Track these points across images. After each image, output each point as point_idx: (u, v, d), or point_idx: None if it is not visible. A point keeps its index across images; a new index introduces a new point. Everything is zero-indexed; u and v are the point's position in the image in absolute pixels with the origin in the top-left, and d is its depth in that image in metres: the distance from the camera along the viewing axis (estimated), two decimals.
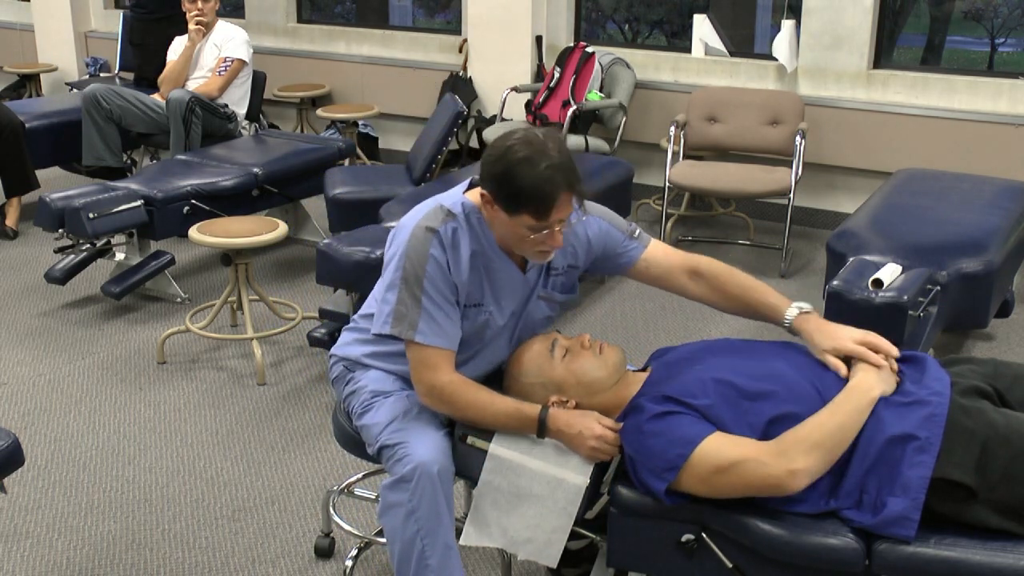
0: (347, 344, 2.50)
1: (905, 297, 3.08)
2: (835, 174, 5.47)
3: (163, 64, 5.76)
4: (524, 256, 2.32)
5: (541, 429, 2.23)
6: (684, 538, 2.14)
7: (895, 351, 2.23)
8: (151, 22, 6.26)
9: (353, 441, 2.48)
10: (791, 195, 4.90)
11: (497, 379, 2.40)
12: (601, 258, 2.49)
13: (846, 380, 2.18)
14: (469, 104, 6.08)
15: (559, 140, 2.19)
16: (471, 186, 2.35)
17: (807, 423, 2.06)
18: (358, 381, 2.43)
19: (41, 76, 7.65)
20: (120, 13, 7.10)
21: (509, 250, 2.32)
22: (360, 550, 2.84)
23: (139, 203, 4.42)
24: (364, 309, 2.48)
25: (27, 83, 7.59)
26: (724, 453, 2.04)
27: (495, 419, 2.26)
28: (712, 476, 2.05)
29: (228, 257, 3.92)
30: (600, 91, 5.62)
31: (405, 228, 2.28)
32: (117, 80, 6.79)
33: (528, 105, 5.79)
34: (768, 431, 2.10)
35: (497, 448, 2.24)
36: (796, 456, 2.01)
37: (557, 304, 2.47)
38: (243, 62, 5.62)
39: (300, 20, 7.05)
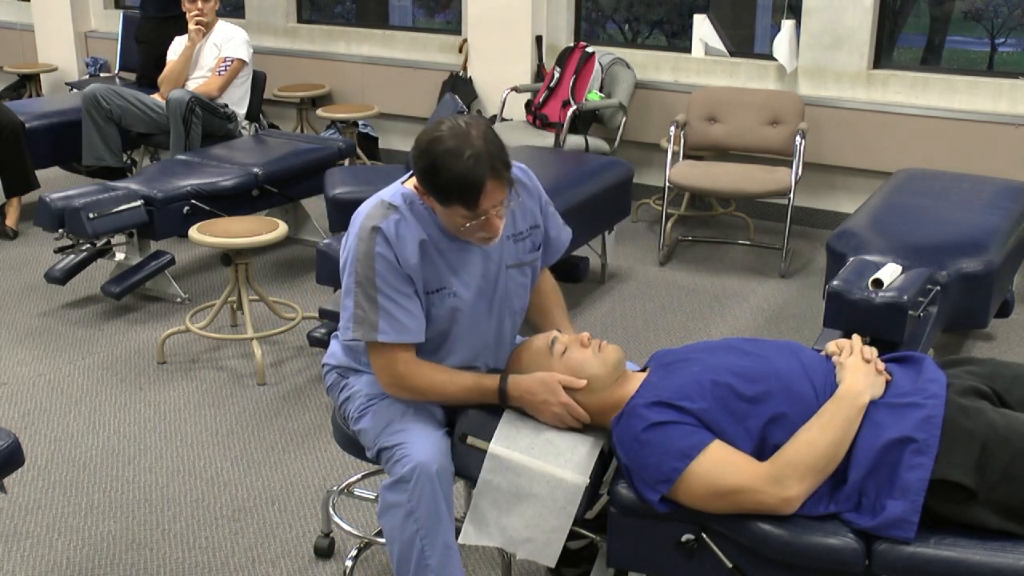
0: (337, 352, 2.50)
1: (905, 297, 3.08)
2: (835, 174, 5.47)
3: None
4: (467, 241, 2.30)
5: (503, 398, 2.27)
6: (684, 538, 2.14)
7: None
8: (159, 21, 6.26)
9: (353, 443, 2.48)
10: (791, 195, 4.90)
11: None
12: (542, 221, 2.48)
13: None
14: (469, 104, 6.08)
15: (484, 127, 2.18)
16: (410, 176, 2.34)
17: (800, 439, 2.07)
18: (352, 387, 2.44)
19: (41, 76, 7.65)
20: (120, 13, 7.11)
21: None
22: (360, 550, 2.84)
23: (139, 203, 4.42)
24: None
25: (27, 83, 7.59)
26: (719, 477, 2.05)
27: (457, 395, 2.29)
28: (707, 499, 2.07)
29: (228, 257, 3.92)
30: (600, 91, 5.62)
31: (352, 232, 2.28)
32: (117, 80, 6.79)
33: (528, 105, 5.79)
34: (765, 433, 2.11)
35: (497, 447, 2.24)
36: (791, 483, 2.03)
37: (529, 267, 2.46)
38: (243, 62, 5.63)
39: (300, 20, 7.05)
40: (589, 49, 5.62)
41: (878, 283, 3.14)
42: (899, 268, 3.28)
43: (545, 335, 2.36)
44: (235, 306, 4.24)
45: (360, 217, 2.28)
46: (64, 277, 4.47)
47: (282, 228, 3.99)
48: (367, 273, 2.23)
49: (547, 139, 5.39)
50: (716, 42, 5.70)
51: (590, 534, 2.50)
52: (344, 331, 2.29)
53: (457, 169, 2.11)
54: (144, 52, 6.41)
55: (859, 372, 2.16)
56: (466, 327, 2.35)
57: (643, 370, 2.39)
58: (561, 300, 2.61)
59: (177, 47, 5.71)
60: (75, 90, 6.73)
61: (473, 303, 2.33)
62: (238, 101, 5.67)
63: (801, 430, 2.08)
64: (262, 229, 3.93)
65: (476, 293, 2.33)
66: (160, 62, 5.86)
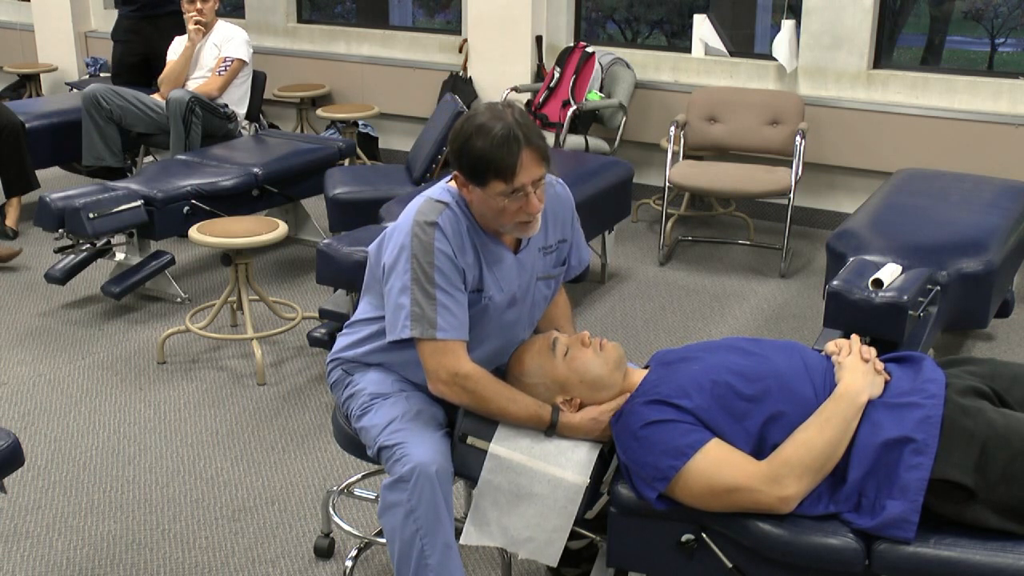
0: (344, 348, 2.50)
1: (905, 297, 3.08)
2: (835, 174, 5.47)
3: (143, 66, 5.76)
4: (509, 233, 2.30)
5: (549, 431, 2.27)
6: (684, 538, 2.14)
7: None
8: (135, 20, 6.25)
9: (353, 442, 2.48)
10: (791, 195, 4.90)
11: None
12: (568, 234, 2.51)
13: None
14: (469, 104, 6.07)
15: (518, 108, 2.21)
16: (452, 177, 2.35)
17: (797, 438, 2.07)
18: (356, 384, 2.44)
19: (41, 76, 7.65)
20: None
21: (497, 233, 2.32)
22: (360, 550, 2.84)
23: (139, 203, 4.42)
24: (358, 314, 2.48)
25: (27, 83, 7.59)
26: (717, 475, 2.05)
27: (517, 415, 2.26)
28: (704, 497, 2.08)
29: (228, 257, 3.92)
30: (600, 91, 5.62)
31: (402, 230, 2.27)
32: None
33: (528, 105, 5.79)
34: (764, 432, 2.11)
35: (497, 448, 2.25)
36: (788, 482, 2.03)
37: (553, 280, 2.49)
38: (243, 62, 5.62)
39: (300, 20, 7.05)
40: (589, 49, 5.62)
41: (878, 283, 3.14)
42: (899, 268, 3.28)
43: (544, 336, 2.36)
44: (235, 306, 4.24)
45: (411, 214, 2.27)
46: (64, 277, 4.47)
47: (282, 228, 3.99)
48: (425, 269, 2.21)
49: (547, 139, 5.38)
50: (716, 42, 5.70)
51: (590, 534, 2.50)
52: (401, 330, 2.24)
53: (490, 139, 2.14)
54: (118, 51, 6.40)
55: (857, 371, 2.16)
56: (489, 331, 2.36)
57: (644, 368, 2.39)
58: (570, 312, 2.63)
59: (177, 47, 5.72)
60: (75, 90, 6.72)
61: (503, 310, 2.35)
62: (238, 101, 5.67)
63: (799, 429, 2.08)
64: (262, 229, 3.93)
65: (508, 301, 2.35)
66: (134, 61, 5.87)
